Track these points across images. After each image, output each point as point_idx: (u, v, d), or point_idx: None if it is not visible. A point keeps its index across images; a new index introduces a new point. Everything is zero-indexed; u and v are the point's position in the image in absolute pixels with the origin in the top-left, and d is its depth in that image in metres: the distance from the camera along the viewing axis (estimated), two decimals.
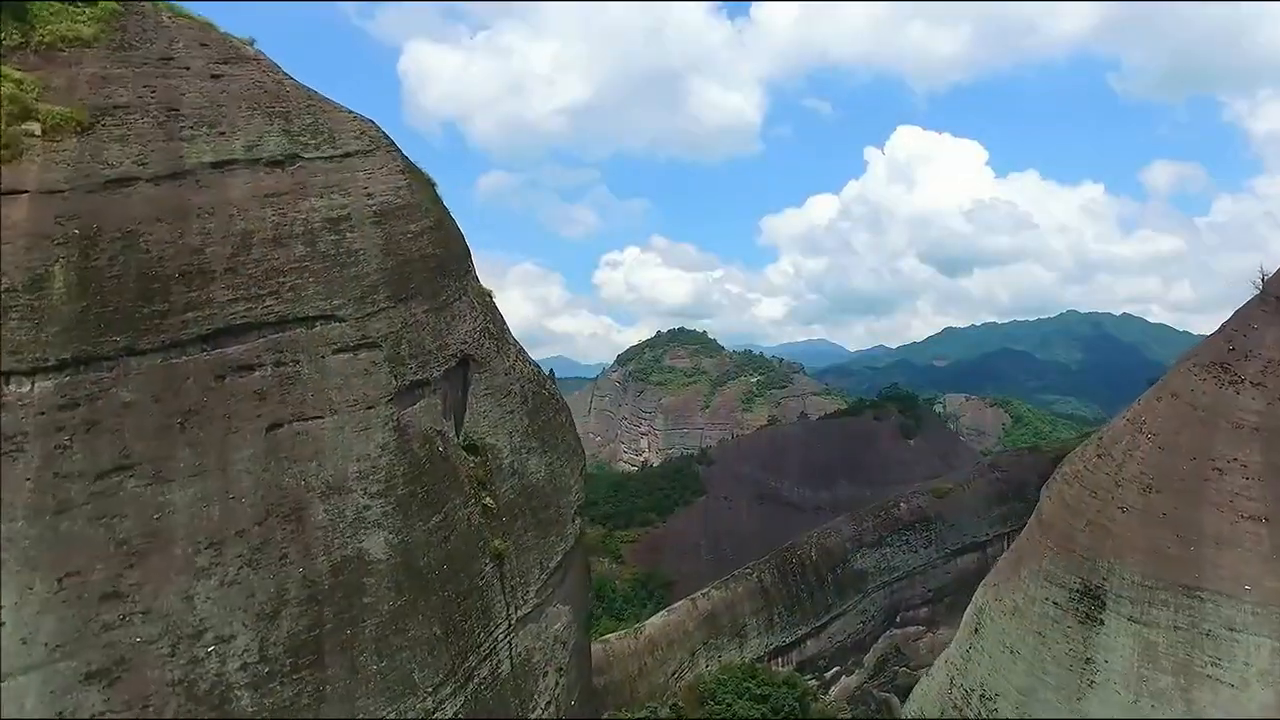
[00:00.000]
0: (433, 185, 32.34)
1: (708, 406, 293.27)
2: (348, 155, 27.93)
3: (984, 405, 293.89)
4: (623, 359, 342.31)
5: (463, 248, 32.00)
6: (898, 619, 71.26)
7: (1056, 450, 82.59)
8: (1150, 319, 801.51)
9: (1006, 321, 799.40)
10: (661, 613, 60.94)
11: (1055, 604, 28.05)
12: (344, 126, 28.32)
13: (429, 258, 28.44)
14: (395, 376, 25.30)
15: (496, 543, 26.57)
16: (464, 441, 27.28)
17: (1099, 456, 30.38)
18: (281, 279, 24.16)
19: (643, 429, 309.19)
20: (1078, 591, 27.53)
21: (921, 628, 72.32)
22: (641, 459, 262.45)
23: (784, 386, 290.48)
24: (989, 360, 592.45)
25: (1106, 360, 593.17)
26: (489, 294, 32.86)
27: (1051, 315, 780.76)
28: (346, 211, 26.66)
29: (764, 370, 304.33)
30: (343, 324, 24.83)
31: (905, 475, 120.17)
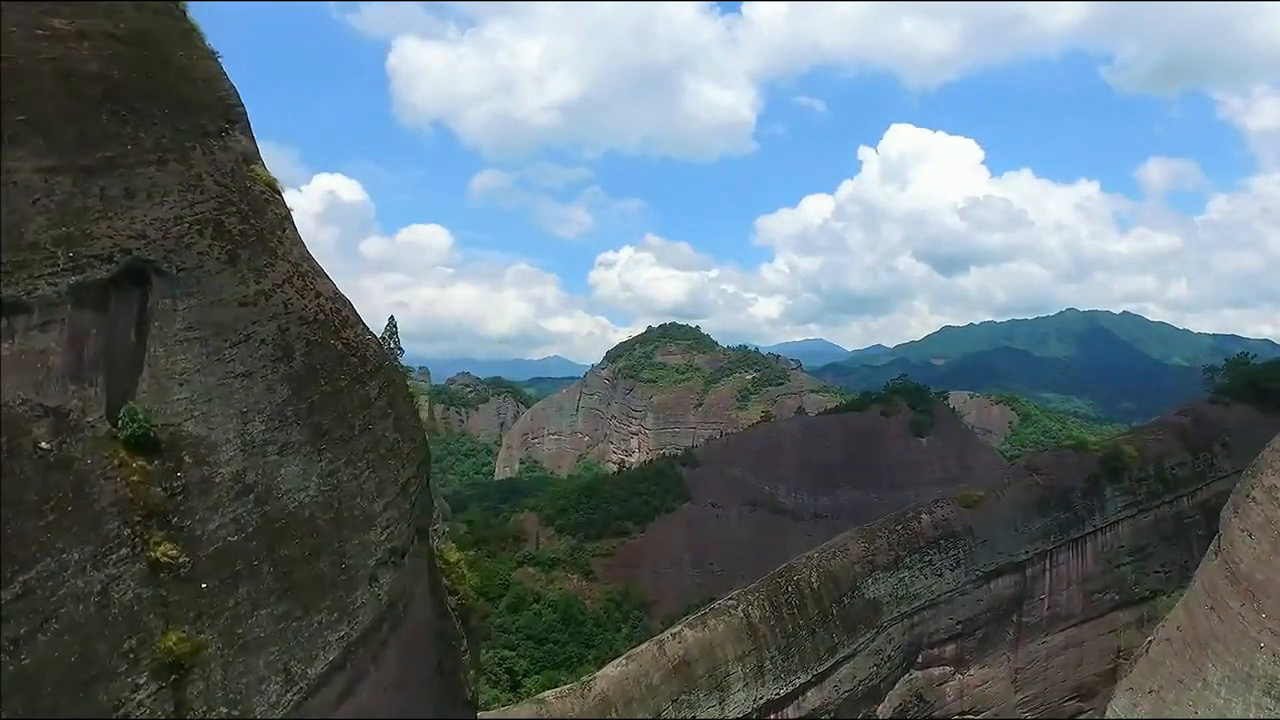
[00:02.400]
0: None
1: (701, 405, 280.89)
2: None
3: (989, 403, 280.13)
4: (612, 355, 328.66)
5: (214, 98, 18.74)
6: (919, 658, 57.77)
7: (1106, 450, 69.26)
8: (1150, 318, 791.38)
9: (1005, 320, 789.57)
10: (618, 660, 47.36)
11: None
12: None
13: (88, 80, 15.24)
14: None
15: (174, 638, 12.96)
16: (127, 430, 13.73)
17: None
18: None
19: (633, 428, 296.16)
20: None
21: (949, 668, 58.87)
22: (632, 459, 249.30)
23: (780, 383, 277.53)
24: (988, 359, 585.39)
25: (1107, 358, 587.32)
26: (274, 185, 19.31)
27: (1051, 314, 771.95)
28: None
29: (759, 367, 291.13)
30: None
31: (917, 478, 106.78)
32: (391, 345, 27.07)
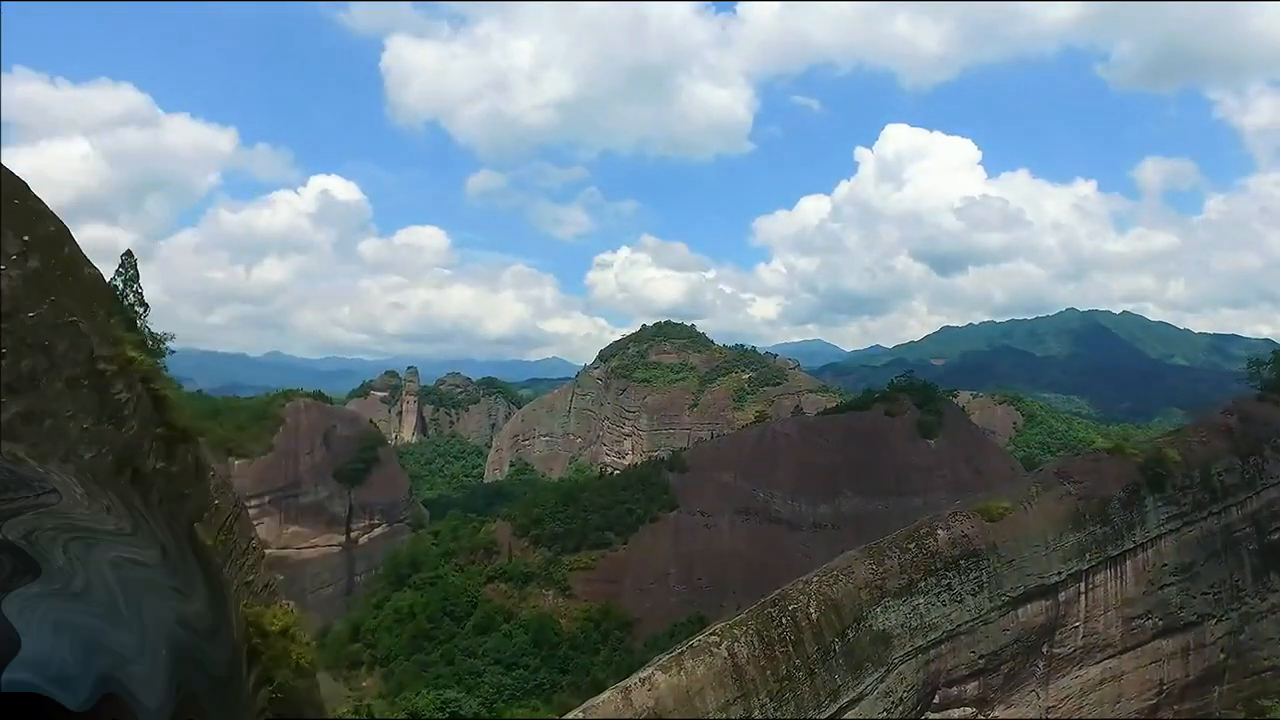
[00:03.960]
0: None
1: (696, 405, 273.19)
2: None
3: (993, 403, 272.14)
4: (605, 354, 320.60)
5: None
6: (936, 699, 49.34)
7: (1147, 454, 60.82)
8: (1149, 317, 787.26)
9: (1005, 320, 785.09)
10: (573, 713, 38.89)
11: None
12: None
13: None
14: None
15: None
16: None
17: None
18: None
19: (626, 429, 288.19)
20: None
21: (970, 710, 50.46)
22: (625, 461, 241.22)
23: (778, 383, 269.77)
24: (988, 359, 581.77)
25: (1107, 358, 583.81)
26: None
27: (1050, 313, 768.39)
28: None
29: (756, 366, 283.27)
30: None
31: (926, 484, 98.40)
32: (126, 296, 18.78)
